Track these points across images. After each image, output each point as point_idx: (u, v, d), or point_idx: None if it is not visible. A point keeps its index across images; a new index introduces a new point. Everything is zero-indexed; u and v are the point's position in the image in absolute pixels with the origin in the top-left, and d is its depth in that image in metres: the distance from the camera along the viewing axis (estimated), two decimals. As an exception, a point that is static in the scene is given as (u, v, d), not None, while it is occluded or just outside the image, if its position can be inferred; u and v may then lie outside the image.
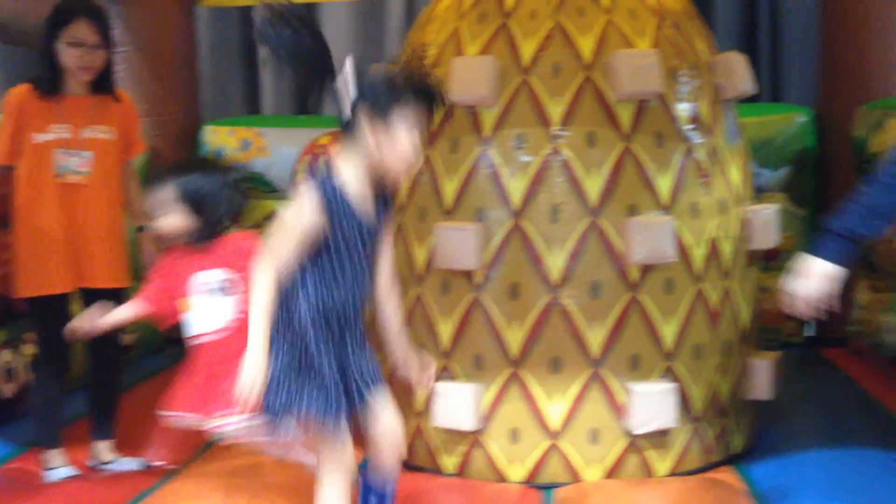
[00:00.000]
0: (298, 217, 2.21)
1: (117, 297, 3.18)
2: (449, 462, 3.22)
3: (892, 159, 2.10)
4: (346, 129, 2.22)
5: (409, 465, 3.31)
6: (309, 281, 2.26)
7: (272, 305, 2.24)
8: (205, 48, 6.34)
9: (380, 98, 2.19)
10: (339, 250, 2.25)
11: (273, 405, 2.27)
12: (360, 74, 2.20)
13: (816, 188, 4.93)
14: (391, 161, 2.23)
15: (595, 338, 3.06)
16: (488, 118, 3.12)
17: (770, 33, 6.15)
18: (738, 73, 3.34)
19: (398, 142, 2.20)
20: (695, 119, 3.19)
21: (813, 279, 2.12)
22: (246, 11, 6.47)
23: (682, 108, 3.16)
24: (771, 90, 6.19)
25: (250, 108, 6.63)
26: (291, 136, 5.17)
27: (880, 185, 2.10)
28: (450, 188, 3.16)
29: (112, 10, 4.71)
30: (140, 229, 3.49)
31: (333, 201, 2.21)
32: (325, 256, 2.25)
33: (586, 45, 3.10)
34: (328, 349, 2.27)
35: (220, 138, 5.17)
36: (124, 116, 3.35)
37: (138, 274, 3.42)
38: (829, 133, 4.80)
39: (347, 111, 2.19)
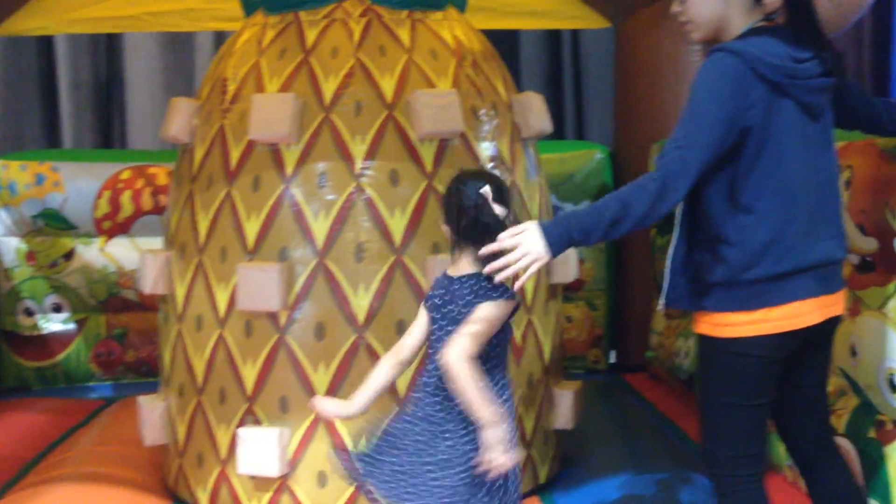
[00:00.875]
0: (497, 314, 2.28)
1: None
2: (255, 509, 3.11)
3: (637, 182, 2.16)
4: None
5: (212, 516, 3.18)
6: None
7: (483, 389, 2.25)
8: (-1, 79, 5.97)
9: None
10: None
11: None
12: None
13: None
14: None
15: (404, 376, 3.04)
16: (290, 156, 3.08)
17: (573, 75, 6.43)
18: (536, 112, 3.45)
19: None
20: (496, 157, 3.26)
21: (526, 250, 2.15)
22: (45, 41, 6.13)
23: (484, 147, 3.24)
24: (576, 128, 6.47)
25: (49, 141, 6.26)
26: (89, 171, 4.91)
27: (615, 199, 2.16)
28: (252, 227, 3.09)
29: None
30: None
31: None
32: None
33: (388, 85, 3.12)
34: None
35: (11, 173, 4.85)
36: None
37: None
38: (623, 170, 5.05)
39: None
